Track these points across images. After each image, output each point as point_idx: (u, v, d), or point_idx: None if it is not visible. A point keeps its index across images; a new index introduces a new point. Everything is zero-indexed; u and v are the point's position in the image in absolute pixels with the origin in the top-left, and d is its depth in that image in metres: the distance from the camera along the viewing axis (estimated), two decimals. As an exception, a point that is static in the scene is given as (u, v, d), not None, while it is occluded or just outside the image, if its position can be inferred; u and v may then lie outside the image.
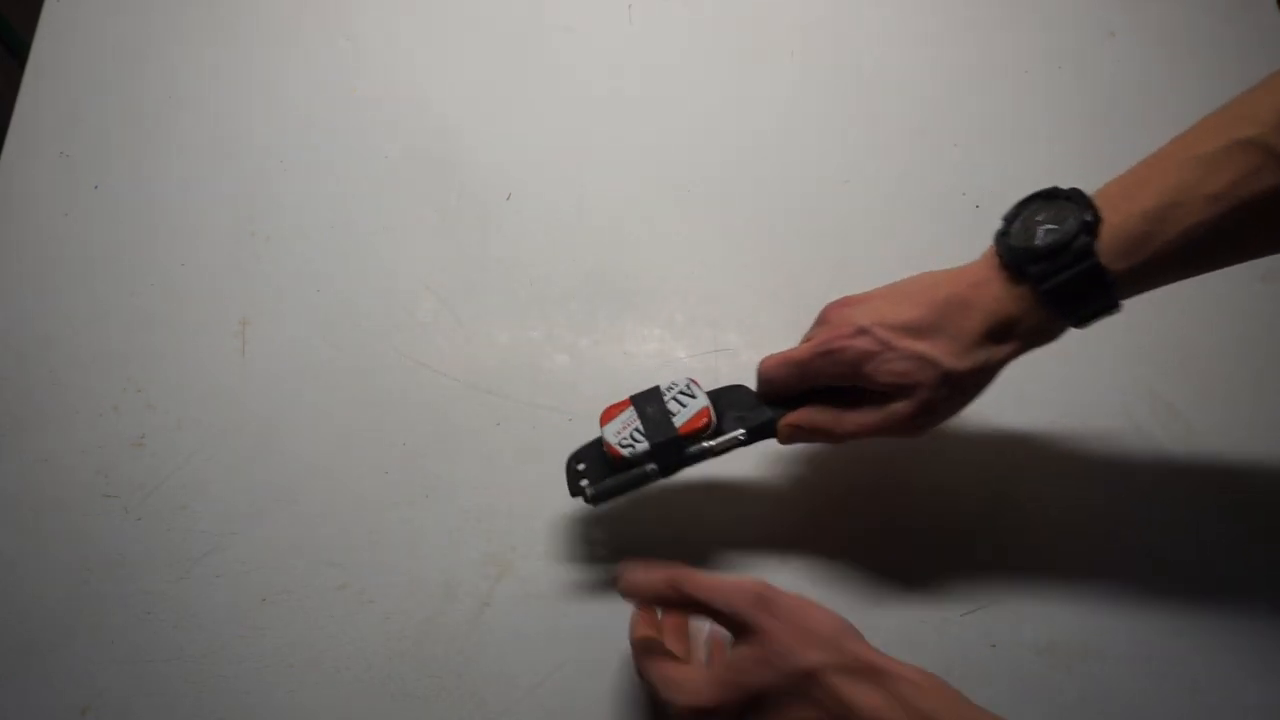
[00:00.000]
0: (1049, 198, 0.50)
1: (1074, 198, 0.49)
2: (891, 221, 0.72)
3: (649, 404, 0.55)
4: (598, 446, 0.56)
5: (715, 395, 0.56)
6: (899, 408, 0.51)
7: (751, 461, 0.63)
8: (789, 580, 0.59)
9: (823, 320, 0.54)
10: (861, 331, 0.50)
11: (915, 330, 0.50)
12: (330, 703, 0.55)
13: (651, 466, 0.54)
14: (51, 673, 0.56)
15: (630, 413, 0.55)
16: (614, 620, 0.58)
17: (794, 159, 0.74)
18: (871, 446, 0.63)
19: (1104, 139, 0.75)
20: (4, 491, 0.61)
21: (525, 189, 0.73)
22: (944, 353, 0.49)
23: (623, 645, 0.57)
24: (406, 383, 0.65)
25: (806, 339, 0.54)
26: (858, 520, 0.61)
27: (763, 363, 0.55)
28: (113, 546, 0.59)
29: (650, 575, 0.48)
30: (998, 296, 0.49)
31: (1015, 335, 0.50)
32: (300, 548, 0.60)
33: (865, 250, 0.71)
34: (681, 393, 0.55)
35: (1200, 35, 0.80)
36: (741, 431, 0.54)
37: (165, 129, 0.74)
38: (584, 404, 0.64)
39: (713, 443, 0.54)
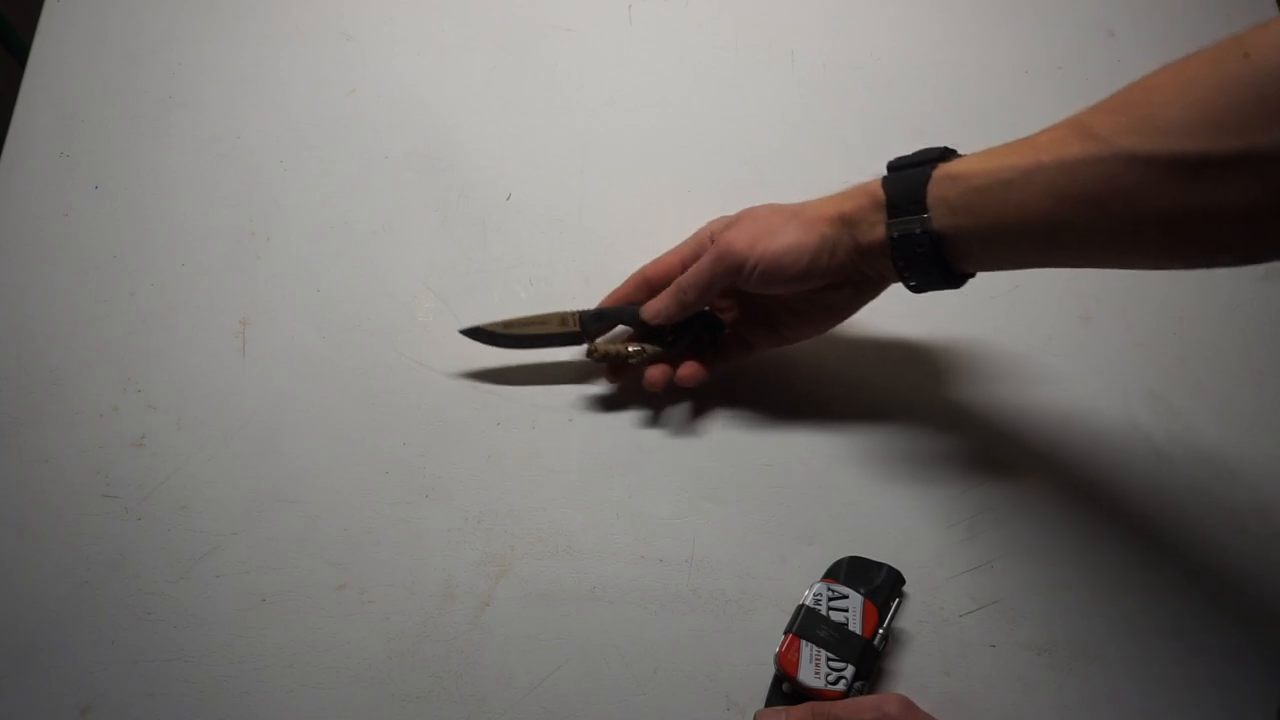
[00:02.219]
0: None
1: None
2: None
3: (818, 628, 0.53)
4: (788, 696, 0.53)
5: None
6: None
7: (746, 461, 0.63)
8: (790, 581, 0.59)
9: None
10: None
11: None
12: (330, 703, 0.55)
13: (860, 684, 0.53)
14: (51, 673, 0.56)
15: (808, 647, 0.53)
16: (614, 620, 0.58)
17: (794, 159, 0.74)
18: (864, 447, 0.63)
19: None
20: (4, 491, 0.61)
21: (525, 189, 0.73)
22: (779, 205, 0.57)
23: (623, 645, 0.57)
24: (406, 383, 0.65)
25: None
26: (856, 520, 0.61)
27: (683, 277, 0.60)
28: (113, 546, 0.59)
29: (790, 717, 0.49)
30: (847, 203, 0.55)
31: (850, 194, 0.55)
32: (300, 548, 0.60)
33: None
34: (831, 600, 0.54)
35: (1200, 35, 0.80)
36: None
37: (165, 129, 0.74)
38: (584, 404, 0.64)
39: (884, 627, 0.54)
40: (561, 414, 0.64)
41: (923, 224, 0.51)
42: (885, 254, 0.53)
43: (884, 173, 0.54)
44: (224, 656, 0.56)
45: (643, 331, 0.63)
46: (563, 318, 0.63)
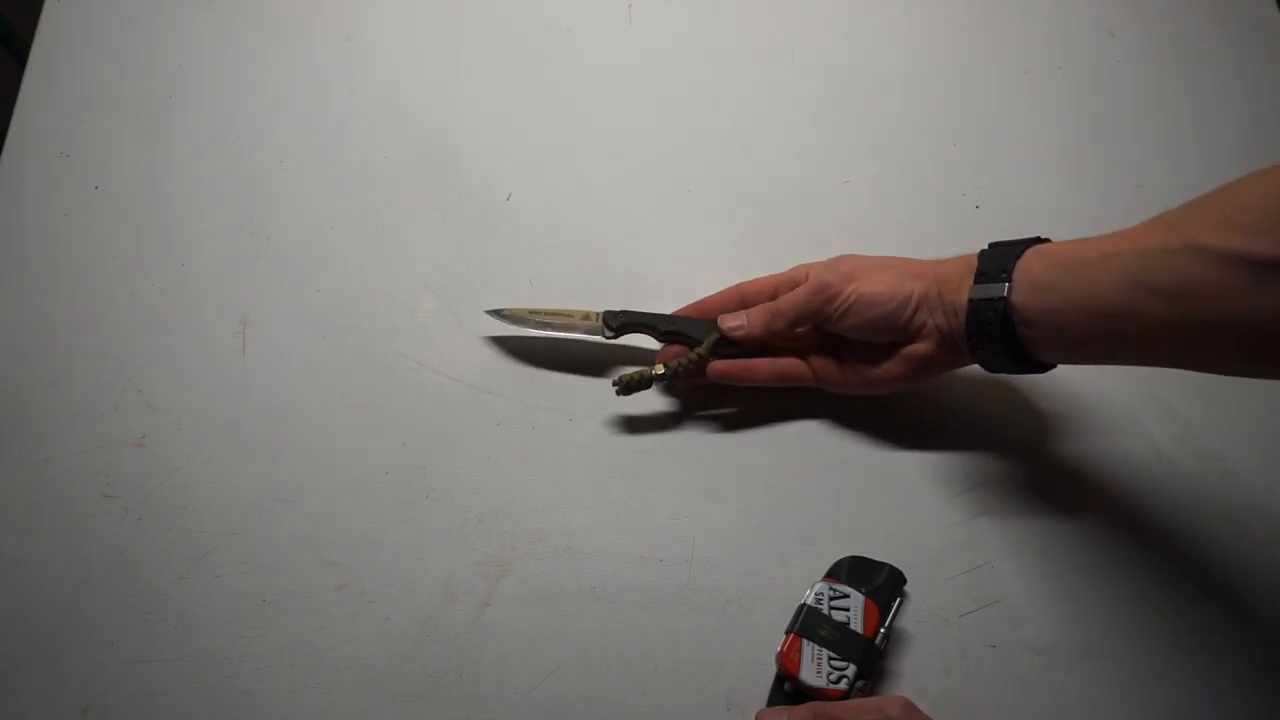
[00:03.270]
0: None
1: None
2: (891, 222, 0.72)
3: (819, 627, 0.53)
4: (790, 696, 0.53)
5: None
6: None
7: (747, 461, 0.63)
8: (790, 581, 0.59)
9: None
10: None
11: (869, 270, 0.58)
12: (330, 703, 0.55)
13: (862, 683, 0.53)
14: (51, 673, 0.56)
15: (810, 646, 0.53)
16: (614, 620, 0.58)
17: (794, 159, 0.74)
18: (864, 447, 0.63)
19: (1104, 139, 0.75)
20: (4, 491, 0.61)
21: (525, 189, 0.72)
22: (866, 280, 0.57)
23: (623, 645, 0.57)
24: (406, 383, 0.65)
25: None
26: (856, 520, 0.61)
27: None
28: (113, 546, 0.59)
29: (792, 717, 0.49)
30: (949, 268, 0.56)
31: (945, 260, 0.57)
32: (300, 548, 0.60)
33: (865, 250, 0.70)
34: (833, 599, 0.54)
35: (1200, 35, 0.80)
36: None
37: (165, 129, 0.74)
38: (584, 404, 0.64)
39: (886, 626, 0.54)
40: (561, 414, 0.64)
41: (1001, 289, 0.52)
42: (963, 319, 0.54)
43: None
44: (224, 656, 0.56)
45: (703, 336, 0.62)
46: (586, 314, 0.64)
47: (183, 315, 0.67)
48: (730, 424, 0.64)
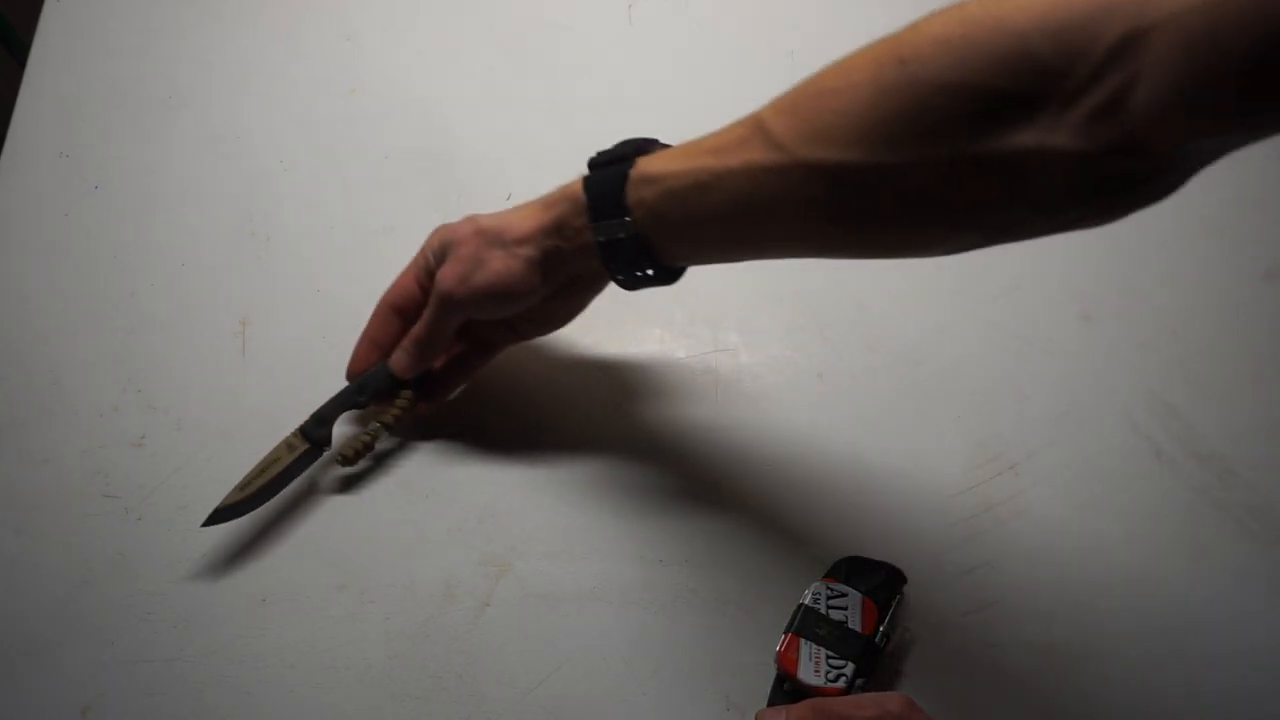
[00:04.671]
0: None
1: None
2: (891, 221, 0.72)
3: (817, 626, 0.53)
4: (789, 696, 0.53)
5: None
6: (439, 274, 0.57)
7: (747, 461, 0.63)
8: (790, 581, 0.59)
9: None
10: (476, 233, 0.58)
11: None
12: (330, 703, 0.55)
13: (861, 681, 0.53)
14: (51, 673, 0.56)
15: (808, 646, 0.53)
16: (614, 621, 0.58)
17: (794, 159, 0.74)
18: (864, 447, 0.63)
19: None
20: (4, 491, 0.61)
21: (525, 189, 0.72)
22: (486, 217, 0.56)
23: (623, 645, 0.57)
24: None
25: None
26: (856, 520, 0.61)
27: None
28: (113, 546, 0.59)
29: (791, 715, 0.49)
30: (561, 194, 0.54)
31: (554, 200, 0.54)
32: (300, 548, 0.60)
33: (865, 250, 0.71)
34: (830, 599, 0.54)
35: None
36: None
37: (165, 129, 0.74)
38: (584, 404, 0.64)
39: (886, 623, 0.54)
40: (561, 414, 0.64)
41: (625, 228, 0.51)
42: (595, 256, 0.53)
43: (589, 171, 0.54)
44: (224, 656, 0.56)
45: (388, 385, 0.61)
46: (288, 444, 0.60)
47: (183, 315, 0.67)
48: (730, 424, 0.64)
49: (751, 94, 0.78)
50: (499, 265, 0.55)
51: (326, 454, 0.61)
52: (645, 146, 0.53)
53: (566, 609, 0.58)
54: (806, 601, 0.54)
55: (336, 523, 0.60)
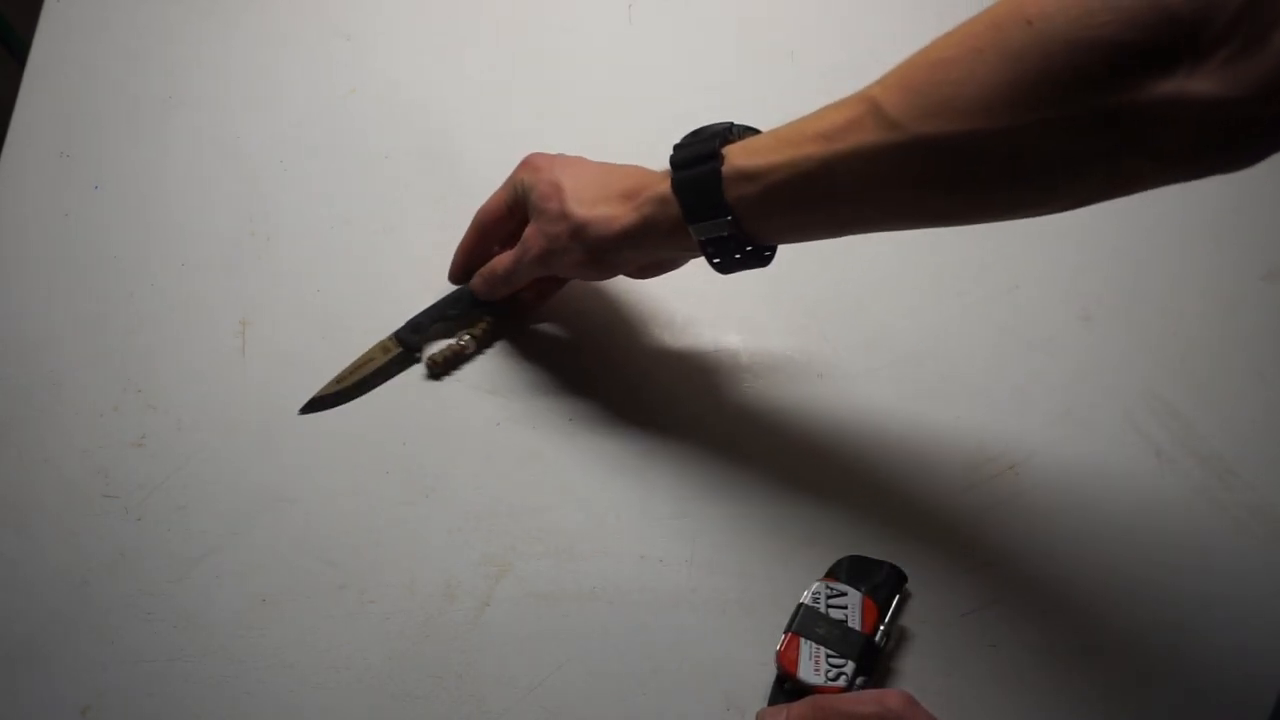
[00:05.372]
0: None
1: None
2: (891, 221, 0.72)
3: (816, 626, 0.53)
4: (790, 695, 0.53)
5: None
6: (527, 231, 0.59)
7: (747, 461, 0.63)
8: (790, 581, 0.59)
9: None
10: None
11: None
12: (330, 703, 0.55)
13: (861, 680, 0.53)
14: (51, 673, 0.56)
15: (808, 645, 0.53)
16: (614, 620, 0.58)
17: (794, 159, 0.74)
18: (864, 448, 0.63)
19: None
20: (4, 491, 0.61)
21: (525, 189, 0.72)
22: (574, 200, 0.56)
23: (623, 645, 0.57)
24: (406, 382, 0.65)
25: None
26: (856, 520, 0.61)
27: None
28: (113, 546, 0.59)
29: (791, 714, 0.49)
30: (647, 172, 0.55)
31: (642, 201, 0.54)
32: (300, 548, 0.60)
33: (865, 250, 0.71)
34: (830, 598, 0.54)
35: (1200, 35, 0.80)
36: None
37: (165, 129, 0.74)
38: (584, 404, 0.64)
39: (885, 623, 0.54)
40: (561, 414, 0.64)
41: (726, 226, 0.51)
42: (686, 247, 0.54)
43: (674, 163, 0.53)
44: (224, 656, 0.56)
45: (470, 304, 0.66)
46: (383, 346, 0.65)
47: (183, 315, 0.67)
48: (730, 424, 0.64)
49: (751, 94, 0.78)
50: (579, 259, 0.57)
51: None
52: (727, 135, 0.52)
53: (566, 609, 0.58)
54: (806, 601, 0.54)
55: (336, 523, 0.60)
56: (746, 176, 0.49)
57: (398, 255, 0.70)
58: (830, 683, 0.51)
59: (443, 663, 0.56)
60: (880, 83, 0.46)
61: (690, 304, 0.68)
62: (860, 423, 0.64)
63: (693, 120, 0.76)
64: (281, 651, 0.57)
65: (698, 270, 0.70)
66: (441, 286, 0.68)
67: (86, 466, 0.62)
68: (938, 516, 0.61)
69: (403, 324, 0.65)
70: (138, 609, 0.58)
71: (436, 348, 0.65)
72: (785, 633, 0.54)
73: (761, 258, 0.54)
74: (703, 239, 0.52)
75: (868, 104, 0.46)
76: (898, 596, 0.55)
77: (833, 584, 0.55)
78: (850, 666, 0.52)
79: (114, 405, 0.64)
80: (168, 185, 0.72)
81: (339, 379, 0.64)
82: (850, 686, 0.51)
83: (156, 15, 0.79)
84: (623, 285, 0.69)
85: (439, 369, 0.64)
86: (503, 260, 0.62)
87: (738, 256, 0.53)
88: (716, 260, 0.54)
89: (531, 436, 0.63)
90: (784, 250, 0.70)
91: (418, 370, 0.65)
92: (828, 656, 0.52)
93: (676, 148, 0.53)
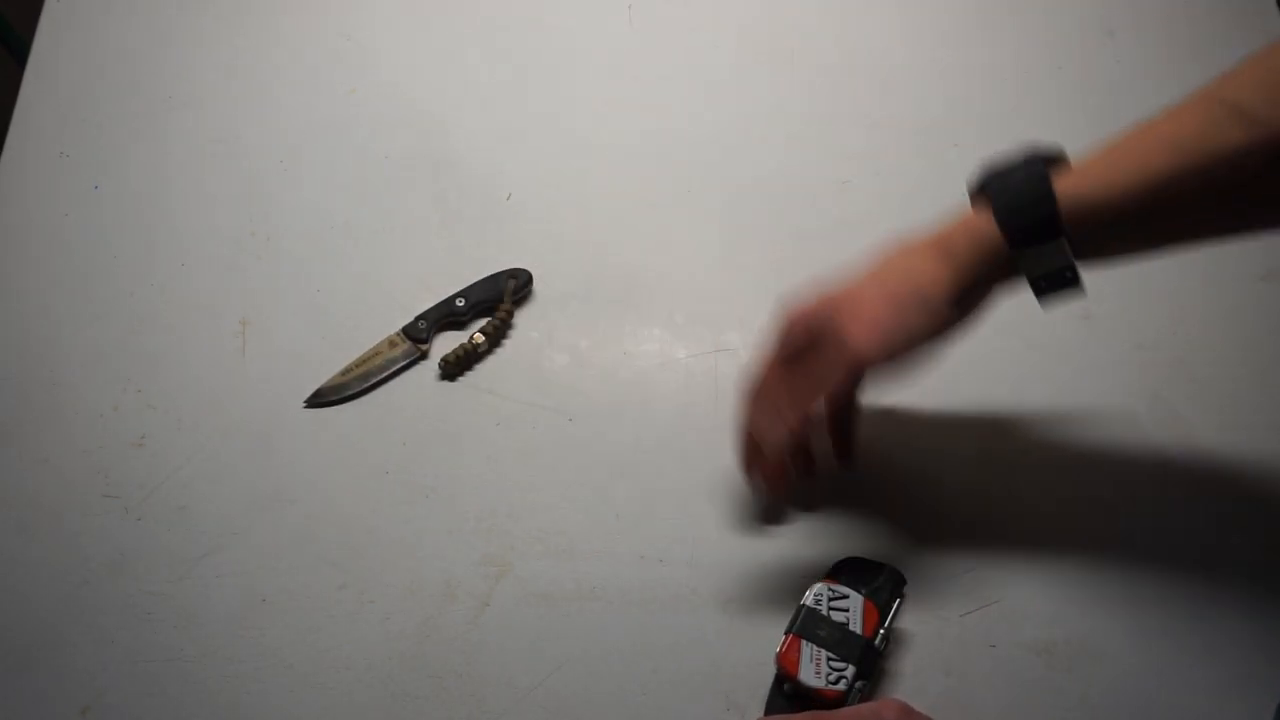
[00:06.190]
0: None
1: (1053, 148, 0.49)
2: (891, 222, 0.71)
3: (818, 628, 0.53)
4: (789, 697, 0.53)
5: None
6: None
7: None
8: (790, 581, 0.59)
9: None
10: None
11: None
12: (330, 703, 0.55)
13: (861, 684, 0.52)
14: (51, 673, 0.56)
15: (809, 647, 0.52)
16: (614, 620, 0.58)
17: (794, 159, 0.74)
18: (865, 446, 0.63)
19: (1104, 139, 0.75)
20: (4, 491, 0.61)
21: (525, 189, 0.72)
22: (926, 279, 0.49)
23: (623, 645, 0.57)
24: (406, 382, 0.65)
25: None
26: (856, 520, 0.61)
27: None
28: (113, 546, 0.59)
29: None
30: (965, 224, 0.49)
31: (970, 256, 0.48)
32: (300, 548, 0.60)
33: (865, 250, 0.70)
34: (832, 600, 0.54)
35: (1200, 35, 0.80)
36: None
37: (165, 129, 0.74)
38: (584, 404, 0.64)
39: (885, 627, 0.54)
40: (561, 414, 0.64)
41: (1067, 262, 0.47)
42: (1010, 288, 0.50)
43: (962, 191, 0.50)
44: (224, 656, 0.56)
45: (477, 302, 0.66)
46: (390, 340, 0.65)
47: (183, 315, 0.67)
48: (730, 424, 0.64)
49: (751, 94, 0.78)
50: (918, 321, 0.49)
51: (428, 364, 0.65)
52: (1044, 164, 0.47)
53: (566, 609, 0.58)
54: (808, 602, 0.54)
55: (336, 523, 0.60)
56: (1093, 210, 0.46)
57: (398, 255, 0.70)
58: (830, 686, 0.51)
59: (443, 663, 0.56)
60: (1224, 84, 0.43)
61: (690, 304, 0.68)
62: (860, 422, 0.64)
63: (693, 120, 0.76)
64: (281, 651, 0.57)
65: (698, 270, 0.70)
66: (442, 286, 0.68)
67: (86, 466, 0.62)
68: (937, 517, 0.61)
69: (409, 320, 0.65)
70: (138, 609, 0.58)
71: (448, 348, 0.65)
72: (786, 634, 0.54)
73: (1081, 284, 0.49)
74: (1037, 274, 0.48)
75: (1220, 106, 0.43)
76: (898, 601, 0.55)
77: (834, 586, 0.54)
78: (851, 670, 0.52)
79: (114, 405, 0.64)
80: (168, 185, 0.72)
81: (343, 372, 0.64)
82: (850, 690, 0.51)
83: (156, 15, 0.79)
84: (621, 286, 0.69)
85: (452, 369, 0.64)
86: (803, 388, 0.53)
87: (1065, 286, 0.49)
88: (1043, 293, 0.49)
89: (531, 436, 0.63)
90: (783, 249, 0.71)
91: (422, 370, 0.65)
92: (829, 659, 0.52)
93: (985, 182, 0.49)
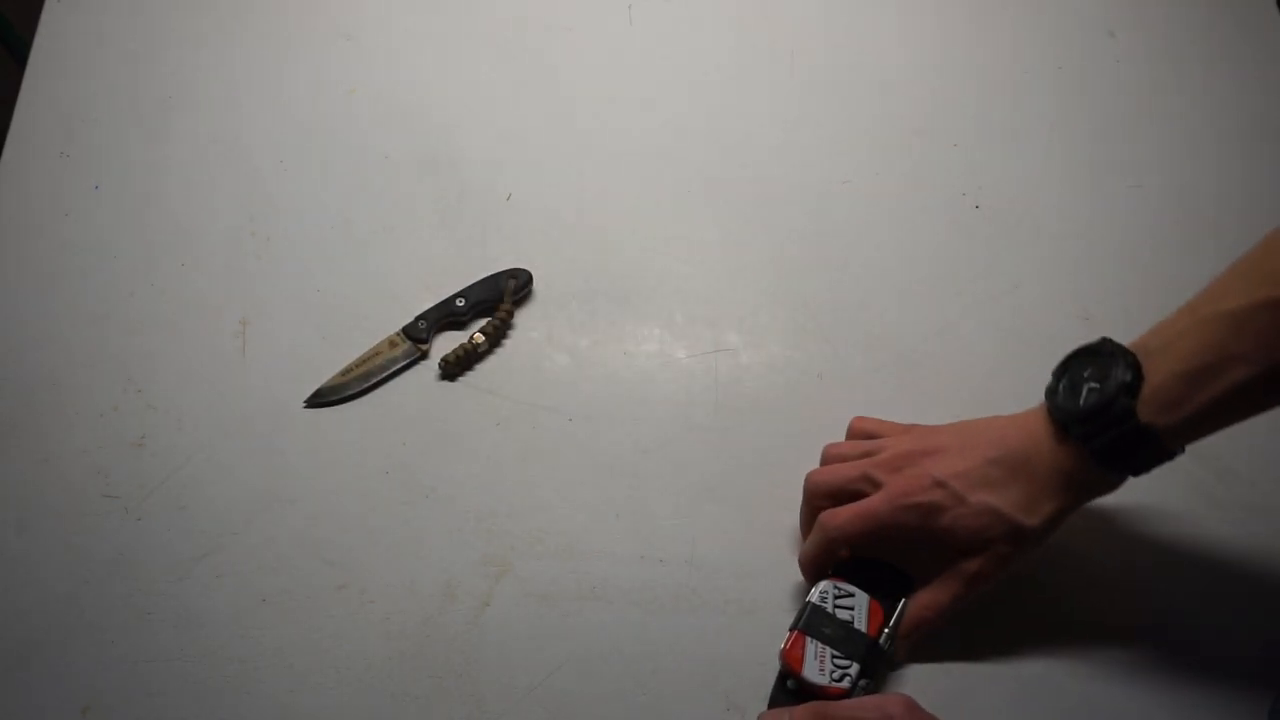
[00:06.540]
0: (1093, 353, 0.52)
1: (1116, 353, 0.51)
2: (891, 221, 0.72)
3: (823, 625, 0.53)
4: (792, 694, 0.53)
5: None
6: (970, 565, 0.53)
7: (747, 461, 0.63)
8: (791, 581, 0.59)
9: (860, 433, 0.58)
10: (938, 484, 0.52)
11: (988, 485, 0.51)
12: (330, 703, 0.55)
13: (864, 682, 0.52)
14: (51, 673, 0.56)
15: (813, 644, 0.53)
16: (614, 620, 0.58)
17: (794, 159, 0.74)
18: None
19: (1105, 139, 0.75)
20: (4, 491, 0.61)
21: (525, 189, 0.73)
22: (1015, 508, 0.51)
23: (623, 645, 0.57)
24: (406, 382, 0.65)
25: (836, 457, 0.57)
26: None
27: (833, 516, 0.54)
28: (113, 546, 0.59)
29: (794, 717, 0.49)
30: (1054, 451, 0.51)
31: (1074, 488, 0.51)
32: (300, 548, 0.60)
33: (865, 250, 0.71)
34: (837, 598, 0.54)
35: (1200, 35, 0.80)
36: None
37: (165, 129, 0.74)
38: (584, 404, 0.64)
39: (890, 627, 0.54)
40: (561, 414, 0.64)
41: (1172, 455, 0.50)
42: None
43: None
44: (224, 656, 0.56)
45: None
46: (390, 340, 0.65)
47: (183, 315, 0.67)
48: (730, 425, 0.64)
49: (751, 94, 0.78)
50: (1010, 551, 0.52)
51: (428, 364, 0.65)
52: (1126, 386, 0.49)
53: (566, 609, 0.58)
54: (814, 600, 0.54)
55: (336, 523, 0.60)
56: (1188, 424, 0.49)
57: (398, 255, 0.70)
58: (834, 683, 0.51)
59: (443, 663, 0.56)
60: (1258, 256, 0.47)
61: (690, 304, 0.68)
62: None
63: (693, 119, 0.76)
64: (281, 651, 0.57)
65: (698, 270, 0.70)
66: (442, 286, 0.68)
67: (86, 466, 0.62)
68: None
69: (409, 320, 0.65)
70: (138, 609, 0.58)
71: (448, 348, 0.65)
72: (791, 630, 0.54)
73: (1163, 453, 0.51)
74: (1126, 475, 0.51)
75: (1270, 276, 0.46)
76: (903, 601, 0.55)
77: (840, 584, 0.54)
78: (855, 669, 0.52)
79: (114, 405, 0.64)
80: (168, 185, 0.72)
81: (343, 372, 0.64)
82: (853, 689, 0.51)
83: (156, 15, 0.79)
84: (621, 286, 0.69)
85: (452, 369, 0.64)
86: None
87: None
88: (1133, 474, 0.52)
89: (531, 436, 0.63)
90: (783, 250, 0.71)
91: (422, 370, 0.65)
92: (833, 657, 0.52)
93: (1077, 420, 0.50)
